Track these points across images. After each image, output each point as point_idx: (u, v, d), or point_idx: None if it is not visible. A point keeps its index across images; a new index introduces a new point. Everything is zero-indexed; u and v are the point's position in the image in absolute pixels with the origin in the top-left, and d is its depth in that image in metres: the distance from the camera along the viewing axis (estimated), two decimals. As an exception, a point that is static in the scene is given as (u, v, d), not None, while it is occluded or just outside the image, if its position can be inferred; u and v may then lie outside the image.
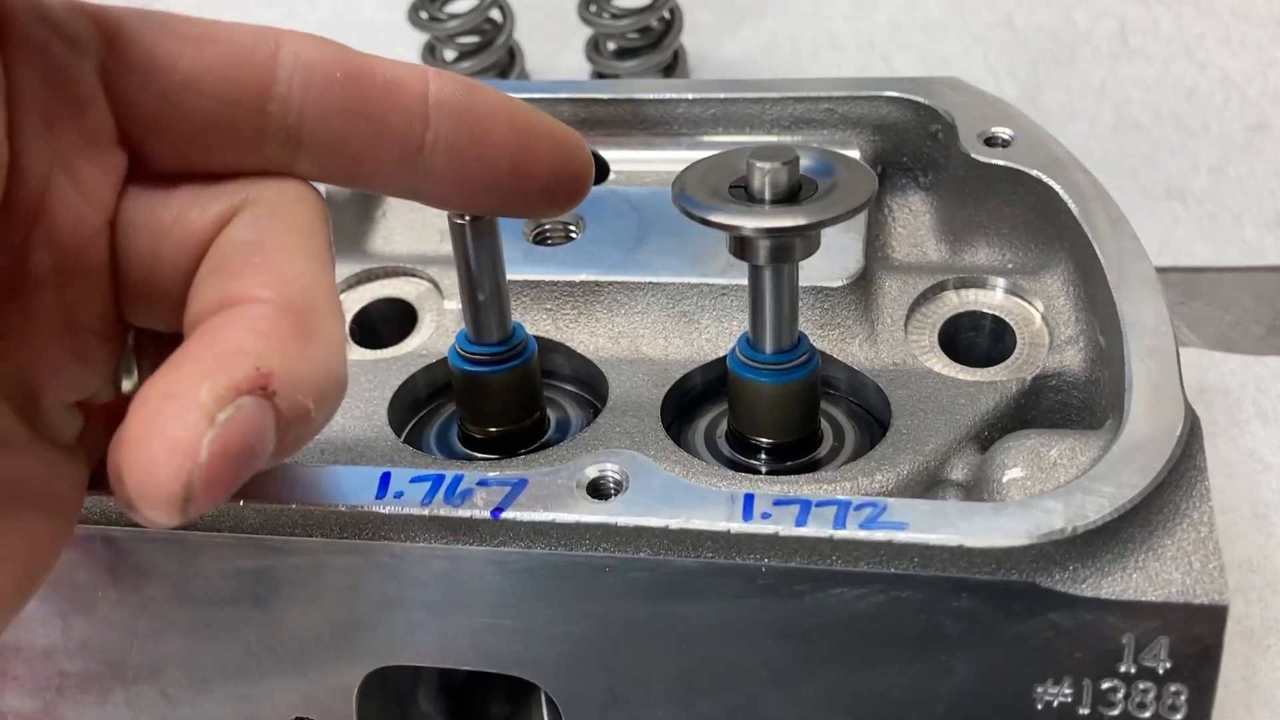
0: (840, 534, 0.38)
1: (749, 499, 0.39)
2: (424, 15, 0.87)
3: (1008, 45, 0.92)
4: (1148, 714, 0.39)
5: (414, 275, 0.57)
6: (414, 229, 0.62)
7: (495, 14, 0.88)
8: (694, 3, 0.92)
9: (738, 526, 0.39)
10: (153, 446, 0.29)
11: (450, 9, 0.87)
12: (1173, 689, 0.38)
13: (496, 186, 0.39)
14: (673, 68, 0.90)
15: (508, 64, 0.91)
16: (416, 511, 0.40)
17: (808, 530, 0.38)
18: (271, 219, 0.36)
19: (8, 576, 0.34)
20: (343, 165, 0.38)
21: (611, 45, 0.89)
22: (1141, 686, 0.39)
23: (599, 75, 0.90)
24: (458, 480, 0.41)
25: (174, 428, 0.29)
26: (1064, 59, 0.91)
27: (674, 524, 0.39)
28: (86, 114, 0.35)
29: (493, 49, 0.88)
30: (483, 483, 0.41)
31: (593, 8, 0.86)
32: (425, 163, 0.38)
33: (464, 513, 0.40)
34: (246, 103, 0.36)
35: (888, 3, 0.97)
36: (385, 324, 0.55)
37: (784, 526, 0.38)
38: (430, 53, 0.90)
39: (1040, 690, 0.39)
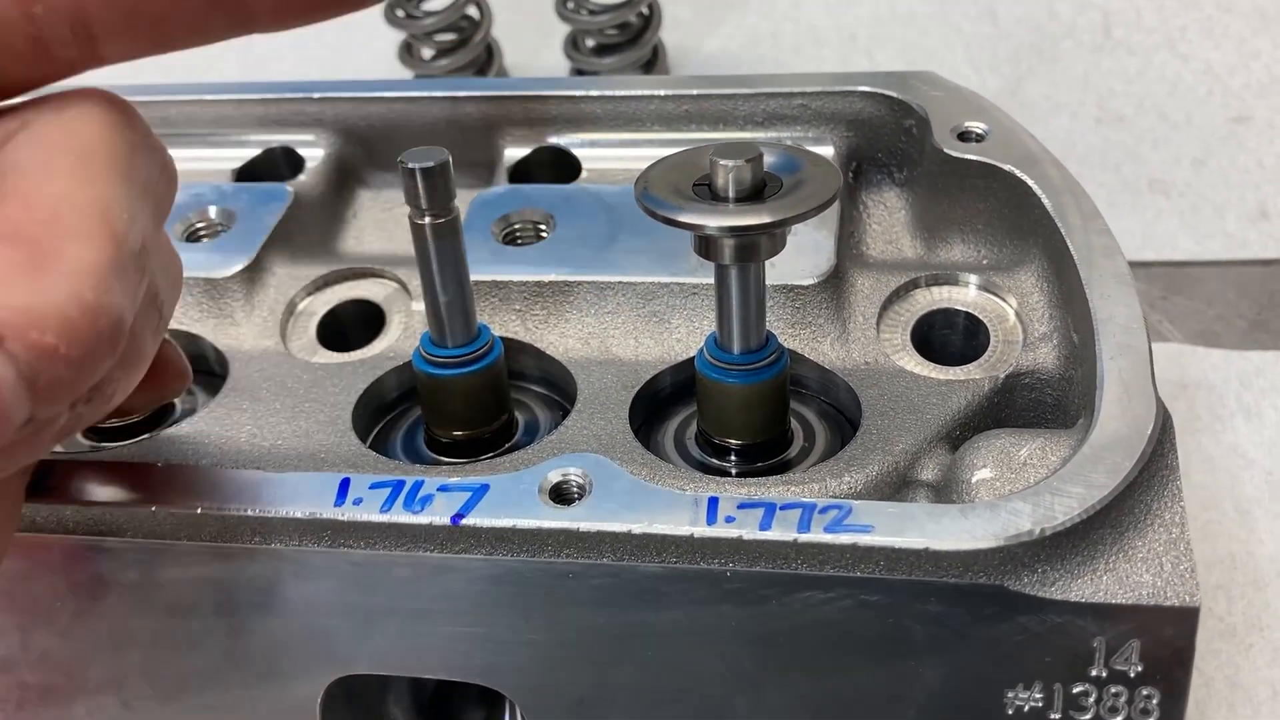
0: (805, 537, 0.37)
1: (713, 502, 0.39)
2: (400, 13, 0.86)
3: (990, 38, 0.92)
4: (1120, 718, 0.38)
5: (381, 276, 0.56)
6: (384, 229, 0.61)
7: (472, 10, 0.87)
8: (674, -2, 0.91)
9: (701, 531, 0.38)
10: None
11: (427, 6, 0.86)
12: (1144, 692, 0.38)
13: None
14: (652, 63, 0.89)
15: (485, 61, 0.90)
16: (376, 518, 0.40)
17: (772, 534, 0.38)
18: (38, 140, 0.33)
19: None
20: (150, 37, 0.35)
21: (590, 42, 0.89)
22: (1113, 690, 0.38)
23: (578, 72, 0.90)
24: (418, 486, 0.40)
25: None
26: (1046, 52, 0.90)
27: (637, 529, 0.38)
28: None
29: (470, 46, 0.87)
30: (444, 488, 0.40)
31: (570, 4, 0.86)
32: None
33: (424, 519, 0.40)
34: (5, 16, 0.33)
35: (869, -4, 0.97)
36: (352, 326, 0.55)
37: (748, 530, 0.38)
38: (408, 50, 0.89)
39: (1011, 695, 0.39)
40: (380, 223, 0.62)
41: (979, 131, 0.53)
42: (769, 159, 0.42)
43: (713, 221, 0.40)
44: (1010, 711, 0.39)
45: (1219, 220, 0.76)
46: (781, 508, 0.38)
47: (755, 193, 0.41)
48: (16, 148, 0.33)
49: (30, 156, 0.33)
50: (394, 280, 0.56)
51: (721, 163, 0.40)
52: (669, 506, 0.39)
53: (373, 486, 0.41)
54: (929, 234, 0.55)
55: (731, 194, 0.41)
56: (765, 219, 0.40)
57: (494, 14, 0.89)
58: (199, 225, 0.57)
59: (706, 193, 0.41)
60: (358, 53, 0.97)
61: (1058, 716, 0.38)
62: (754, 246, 0.42)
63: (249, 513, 0.41)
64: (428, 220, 0.43)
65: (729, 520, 0.38)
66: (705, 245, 0.42)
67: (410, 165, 0.43)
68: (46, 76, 0.34)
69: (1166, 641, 0.37)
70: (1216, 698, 0.54)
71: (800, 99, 0.58)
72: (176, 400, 0.51)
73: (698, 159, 0.42)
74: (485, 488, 0.40)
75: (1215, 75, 0.86)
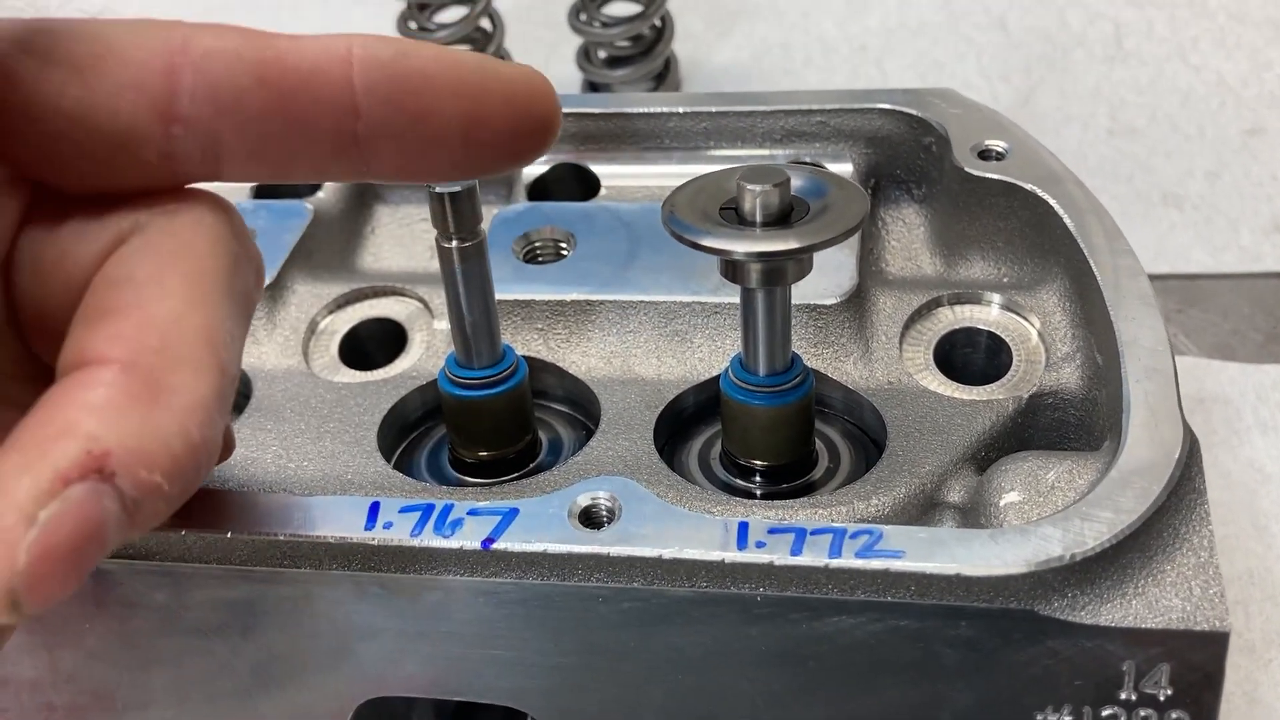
0: (836, 563, 0.38)
1: (743, 527, 0.39)
2: (412, 25, 0.86)
3: (1001, 48, 0.92)
4: (1149, 741, 0.38)
5: (403, 295, 0.56)
6: (403, 245, 0.62)
7: (485, 23, 0.87)
8: (685, 9, 0.91)
9: (732, 556, 0.38)
10: None
11: (439, 18, 0.86)
12: (1174, 715, 0.38)
13: (450, 159, 0.36)
14: (664, 75, 0.90)
15: (498, 73, 0.90)
16: (406, 542, 0.40)
17: (803, 559, 0.38)
18: (151, 250, 0.33)
19: None
20: (271, 169, 0.35)
21: (602, 53, 0.89)
22: (1142, 714, 0.38)
23: (590, 83, 0.90)
24: (448, 510, 0.41)
25: None
26: (1058, 62, 0.90)
27: (667, 554, 0.39)
28: None
29: (483, 58, 0.87)
30: (473, 512, 0.40)
31: (583, 16, 0.86)
32: (364, 152, 0.35)
33: (454, 543, 0.40)
34: (146, 132, 0.33)
35: (880, 6, 0.97)
36: (375, 344, 0.55)
37: (779, 556, 0.38)
38: (420, 62, 0.89)
39: (1040, 718, 0.39)
40: (399, 239, 0.62)
41: (999, 150, 0.53)
42: (796, 183, 0.42)
43: (740, 247, 0.40)
44: (1039, 734, 0.39)
45: (1233, 233, 0.77)
46: (812, 533, 0.38)
47: (782, 217, 0.41)
48: (129, 256, 0.33)
49: (143, 268, 0.33)
50: (415, 299, 0.56)
51: (749, 187, 0.41)
52: (699, 530, 0.39)
53: (403, 510, 0.41)
54: (949, 251, 0.55)
55: (759, 218, 0.41)
56: (793, 244, 0.40)
57: (506, 25, 0.89)
58: (219, 243, 0.57)
59: (734, 216, 0.41)
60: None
61: (1087, 740, 0.38)
62: (781, 271, 0.42)
63: (279, 536, 0.41)
64: (455, 244, 0.44)
65: (760, 545, 0.38)
66: (732, 269, 0.42)
67: (438, 190, 0.43)
68: (164, 184, 0.35)
69: (1196, 665, 0.37)
70: (1235, 713, 0.54)
71: (819, 116, 0.58)
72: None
73: (724, 182, 0.43)
74: (515, 512, 0.40)
75: (1228, 87, 0.86)
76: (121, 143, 0.33)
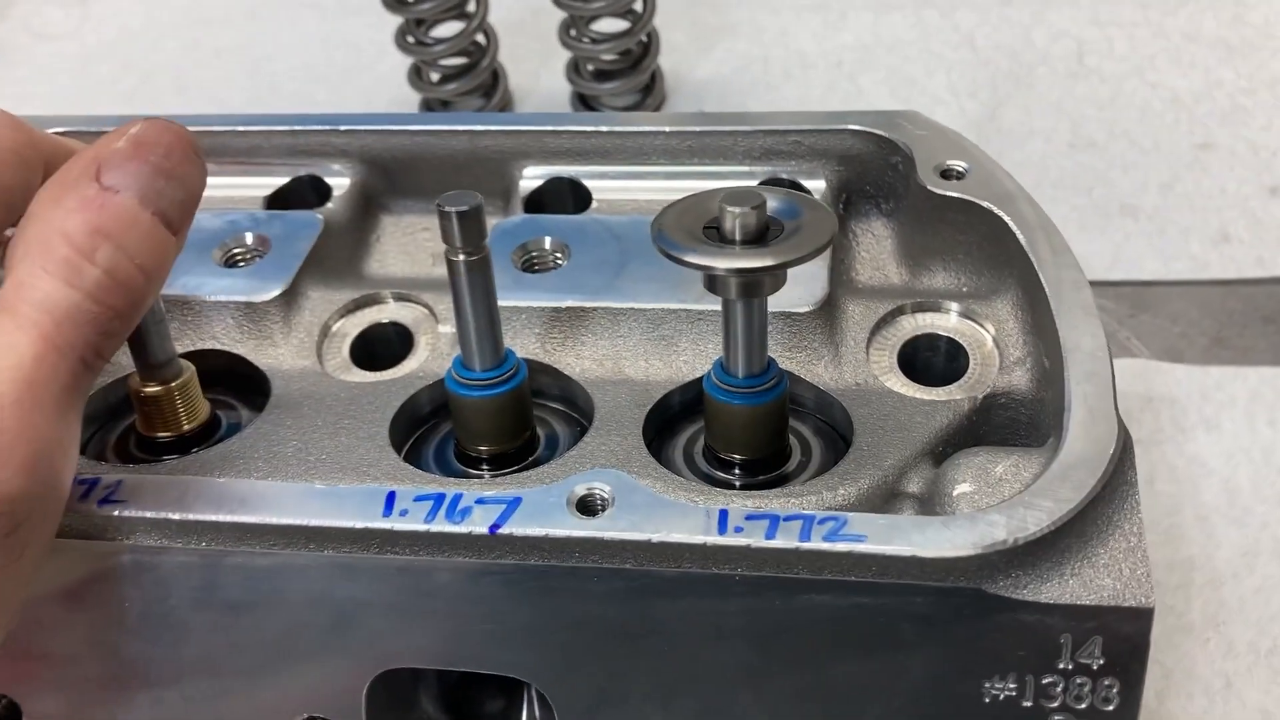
0: (806, 545, 0.42)
1: (723, 514, 0.44)
2: (410, 39, 0.90)
3: (969, 65, 0.97)
4: (1084, 705, 0.43)
5: (410, 300, 0.60)
6: (407, 253, 0.66)
7: (480, 37, 0.91)
8: (669, 24, 0.96)
9: (713, 540, 0.43)
10: None
11: (436, 33, 0.90)
12: (1106, 683, 0.43)
13: None
14: (650, 88, 0.94)
15: (491, 85, 0.94)
16: (420, 528, 0.44)
17: (776, 542, 0.42)
18: None
19: None
20: None
21: (591, 67, 0.93)
22: (1078, 681, 0.43)
23: (579, 96, 0.94)
24: (457, 499, 0.45)
25: None
26: (1023, 78, 0.95)
27: (655, 538, 0.43)
28: None
29: (477, 71, 0.92)
30: (481, 501, 0.45)
31: (573, 32, 0.90)
32: None
33: (464, 529, 0.44)
34: None
35: (854, 24, 1.02)
36: (383, 346, 0.59)
37: (755, 539, 0.43)
38: (417, 74, 0.93)
39: (988, 685, 0.43)
40: (402, 246, 0.66)
41: (960, 170, 0.58)
42: (772, 204, 0.46)
43: (721, 264, 0.45)
44: (987, 700, 0.43)
45: (1184, 243, 0.81)
46: (784, 519, 0.43)
47: (759, 236, 0.45)
48: None
49: None
50: (421, 305, 0.60)
51: (729, 209, 0.45)
52: (684, 517, 0.44)
53: (417, 499, 0.45)
54: (913, 262, 0.60)
55: (738, 237, 0.45)
56: (768, 261, 0.44)
57: (499, 40, 0.93)
58: (236, 251, 0.62)
59: (715, 235, 0.46)
60: (364, 75, 1.01)
61: (1029, 704, 0.43)
62: (758, 284, 0.46)
63: (304, 522, 0.45)
64: (462, 258, 0.48)
65: (738, 530, 0.43)
66: (713, 282, 0.47)
67: (447, 209, 0.47)
68: None
69: (1125, 638, 0.42)
70: (1175, 688, 0.59)
71: (795, 136, 0.63)
72: (223, 416, 0.56)
73: (707, 203, 0.47)
74: (518, 500, 0.45)
75: (1182, 103, 0.91)
76: None
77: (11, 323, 0.39)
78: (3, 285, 0.41)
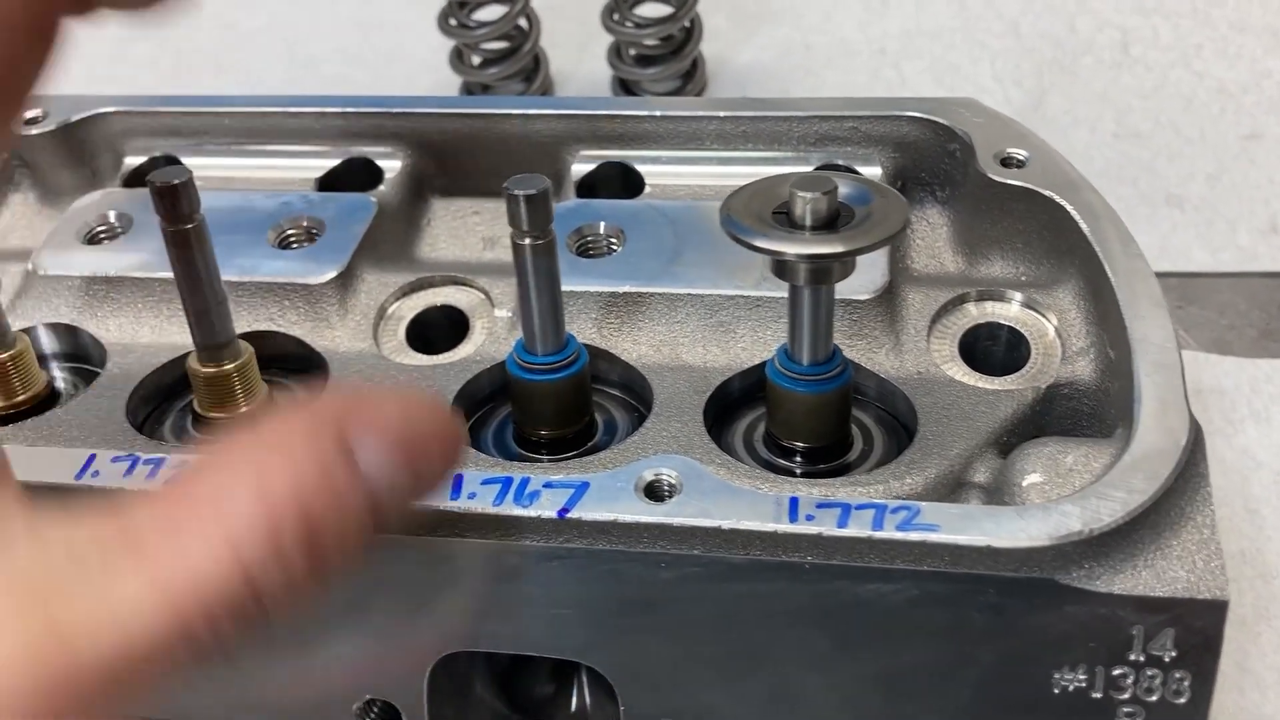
0: (879, 534, 0.42)
1: (794, 502, 0.43)
2: (453, 22, 0.90)
3: (1014, 53, 0.96)
4: (1154, 698, 0.43)
5: (465, 284, 0.60)
6: (457, 237, 0.66)
7: (522, 21, 0.91)
8: (711, 9, 0.95)
9: (784, 527, 0.43)
10: None
11: (478, 16, 0.90)
12: (1177, 675, 0.43)
13: None
14: (691, 74, 0.94)
15: (533, 69, 0.94)
16: (489, 510, 0.44)
17: (848, 531, 0.42)
18: None
19: None
20: None
21: (633, 52, 0.93)
22: (1149, 673, 0.43)
23: (620, 81, 0.94)
24: (525, 483, 0.45)
25: None
26: (1068, 67, 0.94)
27: (726, 524, 0.43)
28: None
29: (519, 55, 0.91)
30: (548, 485, 0.45)
31: (616, 16, 0.90)
32: None
33: (533, 512, 0.44)
34: None
35: (898, 10, 1.01)
36: (438, 330, 0.59)
37: (826, 528, 0.42)
38: (459, 57, 0.93)
39: (1058, 676, 0.43)
40: (453, 230, 0.66)
41: (1021, 158, 0.57)
42: (843, 190, 0.46)
43: (792, 249, 0.44)
44: (1056, 690, 0.43)
45: (1231, 234, 0.81)
46: (856, 508, 0.43)
47: (830, 222, 0.45)
48: None
49: None
50: (477, 289, 0.60)
51: (800, 194, 0.45)
52: (753, 505, 0.44)
53: (484, 482, 0.45)
54: (969, 250, 0.59)
55: (809, 223, 0.45)
56: (839, 248, 0.44)
57: (541, 23, 0.93)
58: (290, 232, 0.62)
59: (785, 220, 0.46)
60: (403, 57, 1.00)
61: (1099, 696, 0.43)
62: (827, 271, 0.46)
63: (371, 505, 0.45)
64: (528, 241, 0.48)
65: (809, 518, 0.43)
66: (782, 268, 0.46)
67: (515, 192, 0.47)
68: None
69: (1198, 630, 0.42)
70: (1227, 682, 0.59)
71: (851, 122, 0.62)
72: (280, 398, 0.56)
73: (776, 188, 0.47)
74: (586, 485, 0.45)
75: (1229, 93, 0.90)
76: None
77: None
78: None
